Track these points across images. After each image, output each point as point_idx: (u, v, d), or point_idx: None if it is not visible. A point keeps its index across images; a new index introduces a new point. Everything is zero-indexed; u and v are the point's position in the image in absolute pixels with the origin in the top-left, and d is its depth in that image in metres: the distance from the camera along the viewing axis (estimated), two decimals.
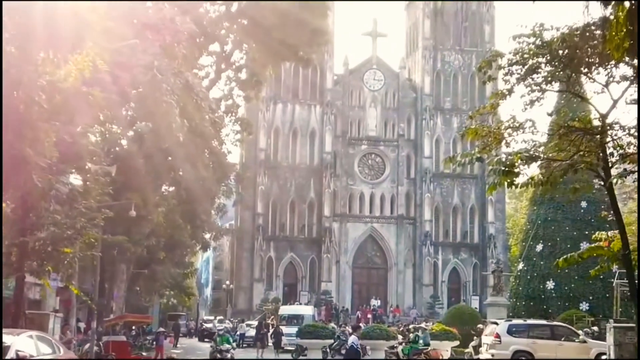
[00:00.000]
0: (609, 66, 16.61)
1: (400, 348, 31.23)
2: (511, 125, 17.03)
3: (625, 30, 10.80)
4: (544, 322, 30.98)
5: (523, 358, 27.45)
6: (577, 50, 16.18)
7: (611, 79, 17.23)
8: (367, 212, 72.95)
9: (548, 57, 16.48)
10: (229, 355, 30.83)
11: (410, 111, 74.73)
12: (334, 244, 71.13)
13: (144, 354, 36.46)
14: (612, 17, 10.17)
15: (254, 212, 70.67)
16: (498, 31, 75.63)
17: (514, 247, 72.09)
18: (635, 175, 17.45)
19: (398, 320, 58.31)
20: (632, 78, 17.39)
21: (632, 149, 16.71)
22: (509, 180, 16.42)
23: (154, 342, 42.67)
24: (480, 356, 29.45)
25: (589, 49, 16.16)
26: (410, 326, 39.60)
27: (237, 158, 72.95)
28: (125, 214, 33.37)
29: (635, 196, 34.78)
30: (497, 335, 27.61)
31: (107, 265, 45.50)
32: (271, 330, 41.71)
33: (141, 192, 35.10)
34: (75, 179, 24.99)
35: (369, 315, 60.00)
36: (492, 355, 27.51)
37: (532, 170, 17.94)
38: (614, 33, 10.73)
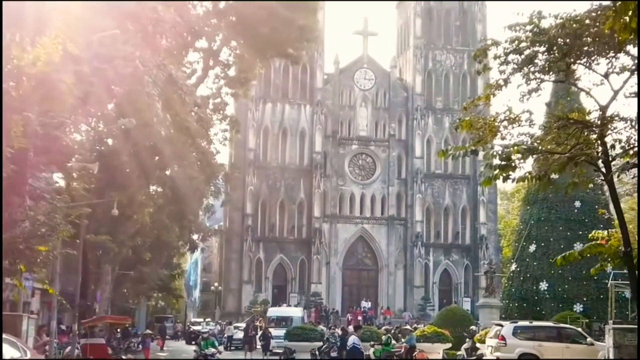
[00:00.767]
0: (609, 55, 15.88)
1: (372, 350, 30.52)
2: (507, 118, 16.27)
3: (632, 8, 10.17)
4: (550, 323, 30.36)
5: None
6: (577, 39, 15.43)
7: (611, 70, 16.52)
8: (357, 212, 72.27)
9: (546, 46, 15.72)
10: None
11: (401, 111, 74.10)
12: (324, 245, 70.43)
13: (123, 357, 35.48)
14: None
15: (243, 213, 69.92)
16: (490, 30, 74.99)
17: (505, 249, 71.62)
18: (635, 171, 16.71)
19: (389, 322, 57.61)
20: (632, 68, 16.70)
21: (632, 141, 15.97)
22: (505, 175, 15.67)
23: (140, 345, 41.97)
24: (484, 358, 28.73)
25: (589, 37, 15.42)
26: (390, 328, 38.99)
27: (226, 158, 72.35)
28: (110, 213, 32.57)
29: (633, 194, 34.14)
30: (502, 338, 26.90)
31: (92, 266, 44.64)
32: (259, 333, 40.96)
33: (126, 190, 34.32)
34: (58, 177, 24.19)
35: (360, 317, 59.36)
36: (497, 358, 26.80)
37: (528, 165, 17.24)
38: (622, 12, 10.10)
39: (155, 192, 43.87)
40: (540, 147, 15.92)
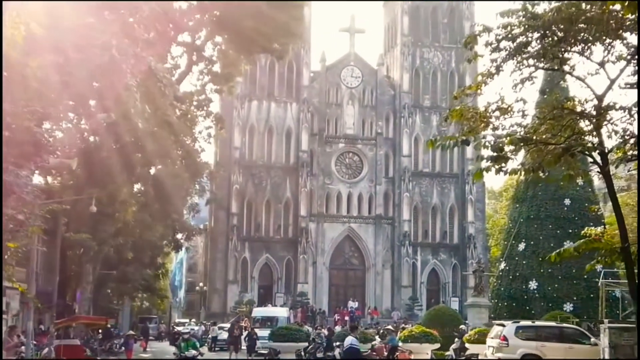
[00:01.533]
0: (606, 41, 15.18)
1: (337, 351, 29.87)
2: (499, 107, 15.53)
3: None
4: (553, 323, 29.77)
5: None
6: (573, 24, 14.71)
7: (607, 59, 15.83)
8: (344, 212, 71.62)
9: (541, 32, 15.00)
10: None
11: (388, 109, 73.46)
12: (311, 245, 69.73)
13: (100, 358, 34.55)
14: None
15: (229, 212, 69.11)
16: (478, 28, 74.22)
17: (494, 248, 71.14)
18: (631, 165, 16.04)
19: (377, 322, 56.97)
20: (628, 57, 16.02)
21: (629, 132, 15.29)
22: (497, 167, 14.94)
23: (123, 346, 41.18)
24: (485, 359, 28.07)
25: (585, 23, 14.71)
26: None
27: (211, 156, 71.58)
28: (90, 210, 31.75)
29: (628, 189, 33.53)
30: (504, 338, 26.23)
31: (73, 265, 43.72)
32: (245, 334, 40.18)
33: (106, 187, 33.47)
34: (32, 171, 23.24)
35: (347, 318, 58.79)
36: (499, 359, 26.12)
37: (520, 159, 16.53)
38: None
39: (139, 190, 43.07)
40: (534, 138, 15.17)
